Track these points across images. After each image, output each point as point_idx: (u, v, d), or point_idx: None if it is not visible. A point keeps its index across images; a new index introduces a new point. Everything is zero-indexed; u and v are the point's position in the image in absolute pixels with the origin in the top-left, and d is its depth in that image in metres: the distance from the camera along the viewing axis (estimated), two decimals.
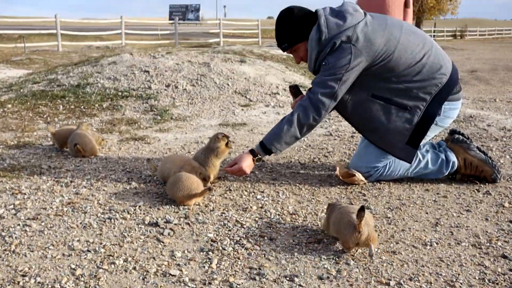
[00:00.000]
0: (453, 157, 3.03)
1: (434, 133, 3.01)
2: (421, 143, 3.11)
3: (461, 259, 2.08)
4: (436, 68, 2.79)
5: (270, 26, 44.95)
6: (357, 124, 2.98)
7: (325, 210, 2.41)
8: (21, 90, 6.05)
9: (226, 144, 3.01)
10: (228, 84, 6.11)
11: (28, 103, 5.40)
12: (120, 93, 5.68)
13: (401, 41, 2.75)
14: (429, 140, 3.15)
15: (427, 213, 2.60)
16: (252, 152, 2.90)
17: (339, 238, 2.15)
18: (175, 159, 2.96)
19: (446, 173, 3.05)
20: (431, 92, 2.79)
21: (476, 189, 2.96)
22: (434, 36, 42.48)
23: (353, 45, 2.68)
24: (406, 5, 10.03)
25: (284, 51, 2.99)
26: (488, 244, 2.22)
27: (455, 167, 3.05)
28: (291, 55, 3.05)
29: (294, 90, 3.18)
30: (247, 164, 2.86)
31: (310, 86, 2.84)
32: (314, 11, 2.88)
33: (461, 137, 3.08)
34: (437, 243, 2.22)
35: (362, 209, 2.00)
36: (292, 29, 2.87)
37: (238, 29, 34.93)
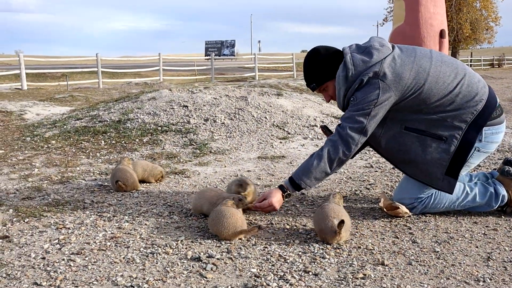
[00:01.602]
0: (502, 191, 2.92)
1: (479, 160, 2.91)
2: (469, 173, 3.02)
3: None
4: (471, 96, 2.73)
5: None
6: (392, 158, 2.93)
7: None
8: (64, 127, 6.22)
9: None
10: (265, 117, 6.14)
11: (71, 139, 5.54)
12: (159, 128, 5.77)
13: (431, 73, 2.71)
14: (474, 167, 3.05)
15: (477, 247, 2.50)
16: (281, 187, 2.86)
17: (318, 234, 2.57)
18: (207, 194, 3.00)
19: (496, 207, 2.94)
20: (466, 120, 2.72)
21: None
22: (471, 65, 41.90)
23: (381, 80, 2.66)
24: (441, 36, 9.94)
25: (313, 91, 3.00)
26: None
27: (505, 201, 2.93)
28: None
29: (324, 129, 3.19)
30: (277, 199, 2.82)
31: (339, 121, 2.82)
32: (340, 49, 2.88)
33: (511, 169, 2.96)
34: (490, 279, 2.12)
35: (342, 222, 2.43)
36: (319, 69, 2.88)
37: (273, 63, 35.29)
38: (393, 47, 2.79)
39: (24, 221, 2.94)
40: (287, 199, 2.91)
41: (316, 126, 6.08)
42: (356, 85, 2.71)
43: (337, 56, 2.85)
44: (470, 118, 2.72)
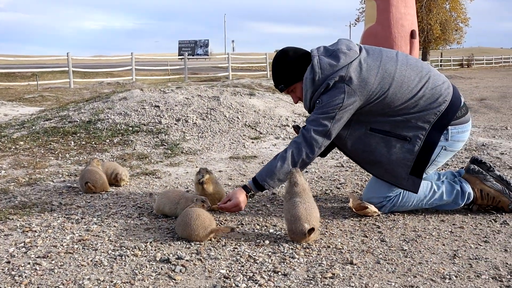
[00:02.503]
0: (468, 188, 2.98)
1: (446, 159, 2.96)
2: (437, 172, 3.08)
3: None
4: (435, 98, 2.78)
5: None
6: (358, 159, 2.97)
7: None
8: (33, 127, 6.10)
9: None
10: (238, 117, 6.13)
11: (40, 140, 5.44)
12: (130, 128, 5.71)
13: (396, 77, 2.75)
14: (441, 165, 3.11)
15: (444, 244, 2.54)
16: (245, 188, 2.87)
17: (287, 232, 2.59)
18: (169, 195, 3.01)
19: (462, 204, 3.00)
20: (429, 121, 2.78)
21: (493, 219, 2.90)
22: (441, 65, 42.68)
23: (347, 85, 2.69)
24: (412, 36, 10.09)
25: (281, 92, 3.01)
26: (510, 276, 2.16)
27: (471, 198, 2.99)
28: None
29: (297, 129, 3.21)
30: (242, 199, 2.83)
31: (304, 124, 2.84)
32: (309, 51, 2.90)
33: (476, 168, 3.02)
34: (456, 276, 2.16)
35: (312, 229, 2.50)
36: (288, 70, 2.90)
37: (246, 63, 35.30)
38: (360, 50, 2.82)
39: None
40: (250, 199, 2.92)
41: (288, 126, 6.10)
42: (322, 88, 2.74)
43: (305, 58, 2.87)
44: (433, 118, 2.77)
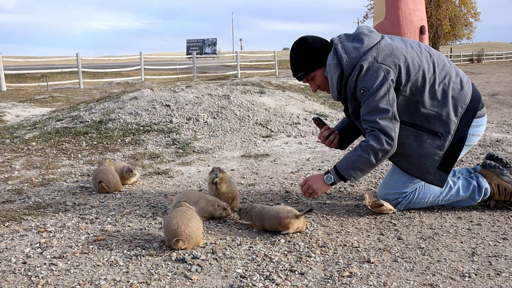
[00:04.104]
0: (485, 184, 2.94)
1: (464, 153, 2.92)
2: (453, 168, 3.03)
3: None
4: (460, 88, 2.76)
5: (286, 57, 45.30)
6: None
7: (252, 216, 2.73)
8: (45, 128, 6.12)
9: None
10: (248, 116, 6.11)
11: (52, 140, 5.46)
12: (142, 128, 5.71)
13: (423, 59, 2.74)
14: (457, 161, 3.07)
15: (462, 242, 2.51)
16: (326, 175, 2.82)
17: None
18: (189, 194, 2.99)
19: (479, 200, 2.96)
20: (457, 114, 2.75)
21: (511, 216, 2.86)
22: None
23: (381, 64, 2.66)
24: (421, 32, 10.02)
25: (299, 80, 2.97)
26: None
27: (488, 194, 2.95)
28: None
29: (317, 121, 3.18)
30: (314, 182, 2.82)
31: (363, 119, 2.73)
32: (329, 40, 2.88)
33: (493, 162, 2.98)
34: (476, 274, 2.13)
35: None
36: (308, 57, 2.86)
37: (255, 61, 35.28)
38: (381, 36, 2.80)
39: (4, 225, 2.87)
40: (333, 186, 2.88)
41: (299, 123, 6.08)
42: (357, 71, 2.69)
43: (325, 45, 2.85)
44: (460, 112, 2.75)
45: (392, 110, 2.67)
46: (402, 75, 2.68)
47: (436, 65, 2.76)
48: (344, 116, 3.20)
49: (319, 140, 3.25)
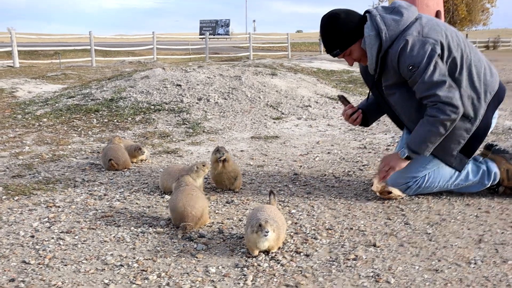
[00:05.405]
0: (495, 168, 2.91)
1: None
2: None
3: (508, 279, 1.97)
4: (489, 74, 2.75)
5: (298, 40, 44.94)
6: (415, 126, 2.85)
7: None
8: (56, 105, 6.15)
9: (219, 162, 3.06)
10: (259, 97, 6.09)
11: (63, 117, 5.48)
12: (152, 107, 5.71)
13: (460, 37, 2.72)
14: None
15: (469, 229, 2.49)
16: (401, 151, 2.82)
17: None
18: (170, 171, 3.07)
19: (488, 185, 2.92)
20: (486, 101, 2.73)
21: None
22: None
23: (427, 37, 2.63)
24: (437, 17, 9.85)
25: (335, 57, 2.91)
26: None
27: (497, 179, 2.92)
28: (343, 59, 2.95)
29: (342, 99, 3.17)
30: (391, 160, 2.84)
31: (422, 96, 2.68)
32: (363, 12, 2.81)
33: (502, 147, 2.96)
34: (481, 261, 2.12)
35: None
36: (343, 33, 2.77)
37: (268, 43, 35.06)
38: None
39: (13, 199, 2.91)
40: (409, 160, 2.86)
41: (310, 106, 6.04)
42: (400, 45, 2.63)
43: (359, 18, 2.78)
44: (489, 98, 2.74)
45: (447, 80, 2.63)
46: (445, 51, 2.65)
47: (470, 48, 2.74)
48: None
49: (343, 117, 3.22)
